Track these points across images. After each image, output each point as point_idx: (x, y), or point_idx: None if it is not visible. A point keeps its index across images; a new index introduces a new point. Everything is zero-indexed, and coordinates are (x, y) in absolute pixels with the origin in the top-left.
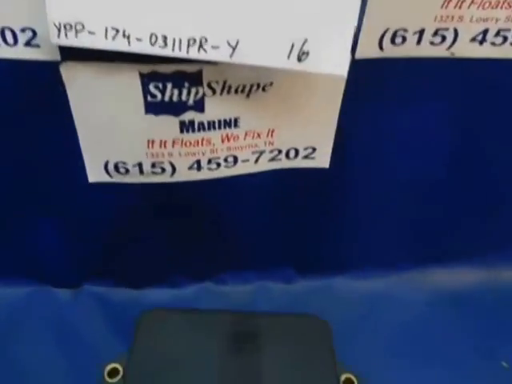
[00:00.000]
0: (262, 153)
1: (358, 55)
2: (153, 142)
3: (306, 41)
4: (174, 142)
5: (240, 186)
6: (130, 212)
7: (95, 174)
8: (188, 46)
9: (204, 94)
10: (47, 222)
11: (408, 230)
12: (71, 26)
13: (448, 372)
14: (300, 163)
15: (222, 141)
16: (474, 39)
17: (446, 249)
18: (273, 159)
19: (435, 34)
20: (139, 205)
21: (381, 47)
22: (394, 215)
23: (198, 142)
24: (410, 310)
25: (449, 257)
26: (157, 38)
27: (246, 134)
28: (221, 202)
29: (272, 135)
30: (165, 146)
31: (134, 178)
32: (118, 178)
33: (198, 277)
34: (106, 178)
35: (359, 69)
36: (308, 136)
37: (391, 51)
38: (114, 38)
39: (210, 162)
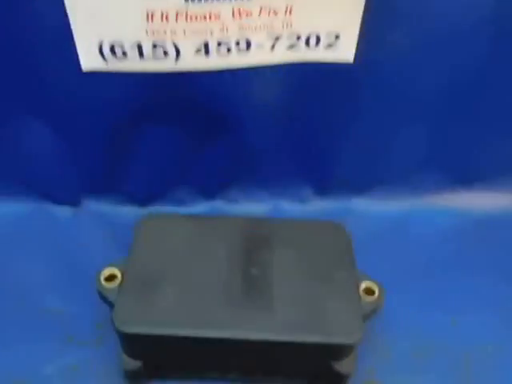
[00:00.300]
0: (278, 38)
1: None
2: (152, 14)
3: None
4: (177, 15)
5: (254, 83)
6: (130, 111)
7: (89, 58)
8: None
9: None
10: (41, 126)
11: (437, 148)
12: None
13: (472, 292)
14: (321, 55)
15: (233, 16)
16: None
17: (476, 170)
18: (291, 47)
19: None
20: (140, 102)
21: None
22: (423, 128)
23: (205, 17)
24: (436, 233)
25: (479, 179)
26: None
27: (260, 10)
28: (232, 103)
29: (290, 13)
30: (167, 20)
31: (132, 63)
32: (114, 64)
33: (206, 194)
34: (101, 64)
35: None
36: (331, 17)
37: None
38: None
39: (219, 45)
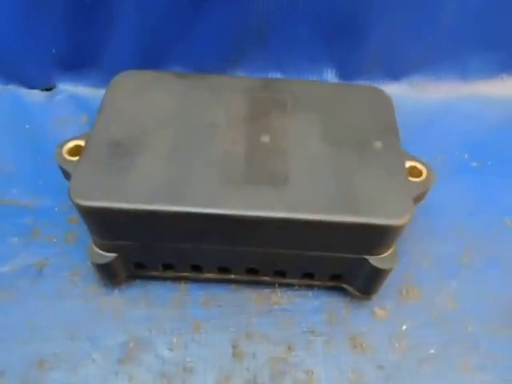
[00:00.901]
0: None
1: None
2: None
3: None
4: None
5: None
6: None
7: None
8: None
9: None
10: None
11: (488, 23)
12: None
13: None
14: None
15: None
16: None
17: None
18: None
19: None
20: None
21: None
22: None
23: None
24: (478, 124)
25: None
26: None
27: None
28: None
29: None
30: None
31: None
32: None
33: (204, 72)
34: None
35: None
36: None
37: None
38: None
39: None
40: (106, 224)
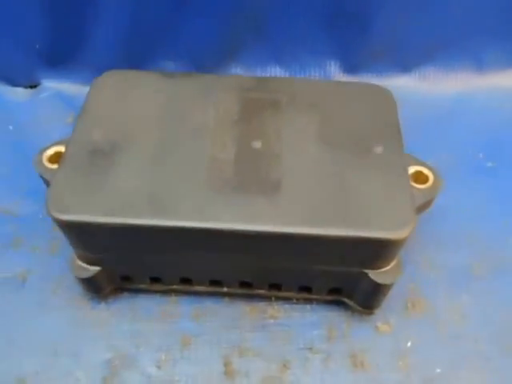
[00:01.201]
0: None
1: None
2: None
3: None
4: None
5: None
6: None
7: None
8: None
9: None
10: None
11: (496, 15)
12: None
13: None
14: None
15: None
16: None
17: None
18: None
19: None
20: None
21: None
22: None
23: None
24: (494, 120)
25: None
26: None
27: None
28: None
29: None
30: None
31: None
32: None
33: (199, 68)
34: None
35: None
36: None
37: None
38: None
39: None
40: (86, 238)
